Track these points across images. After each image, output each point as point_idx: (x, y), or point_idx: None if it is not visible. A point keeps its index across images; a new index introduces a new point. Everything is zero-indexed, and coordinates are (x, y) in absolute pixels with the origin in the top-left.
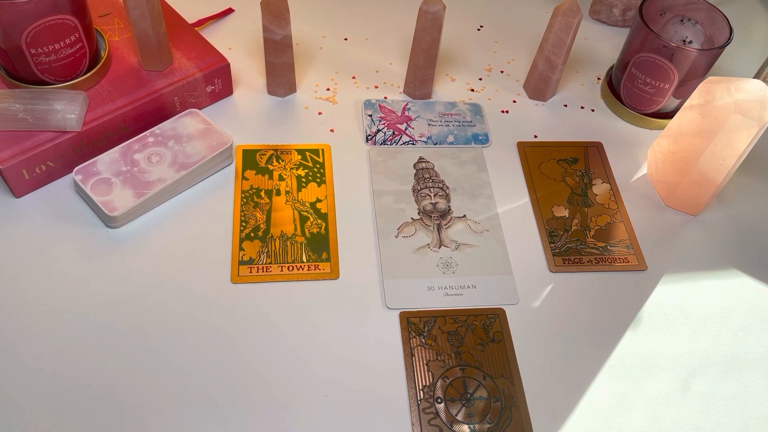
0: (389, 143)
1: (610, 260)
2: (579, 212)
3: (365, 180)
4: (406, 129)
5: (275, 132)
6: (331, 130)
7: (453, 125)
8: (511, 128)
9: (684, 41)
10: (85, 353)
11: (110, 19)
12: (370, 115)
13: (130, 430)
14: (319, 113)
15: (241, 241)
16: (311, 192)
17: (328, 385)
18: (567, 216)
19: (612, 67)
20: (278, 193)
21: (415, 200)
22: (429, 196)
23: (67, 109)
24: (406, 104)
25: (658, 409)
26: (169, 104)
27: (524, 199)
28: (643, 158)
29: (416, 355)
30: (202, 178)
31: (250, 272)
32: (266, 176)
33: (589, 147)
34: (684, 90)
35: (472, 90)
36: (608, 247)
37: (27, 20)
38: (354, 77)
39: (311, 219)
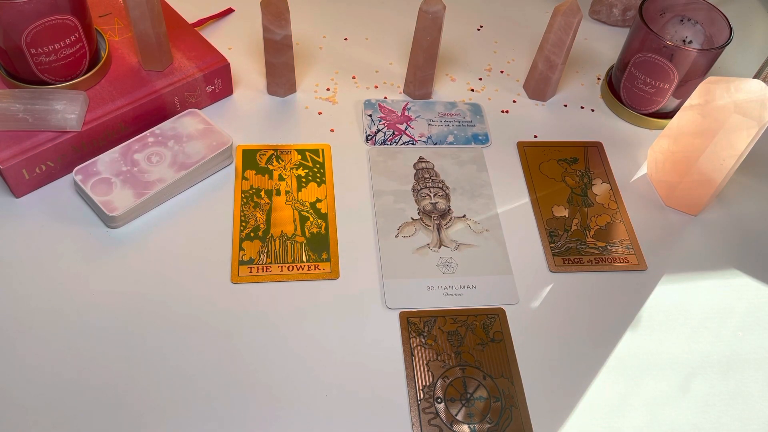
0: (389, 143)
1: (610, 260)
2: (579, 212)
3: (365, 180)
4: (406, 129)
5: (275, 132)
6: (331, 130)
7: (453, 125)
8: (511, 128)
9: (684, 41)
10: (84, 353)
11: (110, 19)
12: (370, 115)
13: (130, 429)
14: (319, 113)
15: (241, 241)
16: (311, 192)
17: (328, 385)
18: (567, 216)
19: (612, 67)
20: (278, 193)
21: (415, 200)
22: (429, 196)
23: (67, 109)
24: (406, 104)
25: (657, 409)
26: (169, 104)
27: (524, 199)
28: (643, 158)
29: (416, 355)
30: (202, 178)
31: (250, 272)
32: (266, 176)
33: (589, 147)
34: (684, 90)
35: (472, 90)
36: (608, 247)
37: (27, 20)
38: (354, 77)
39: (311, 219)
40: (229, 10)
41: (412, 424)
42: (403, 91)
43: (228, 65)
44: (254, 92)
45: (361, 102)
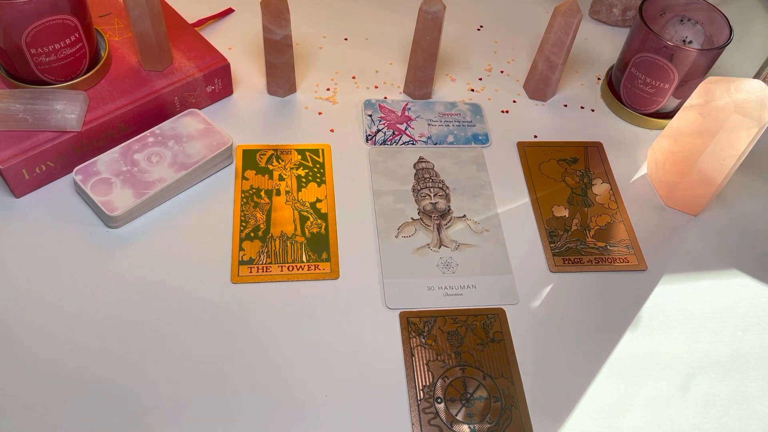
0: (389, 143)
1: (610, 260)
2: (579, 212)
3: (365, 180)
4: (406, 129)
5: (275, 132)
6: (331, 130)
7: (453, 125)
8: (511, 128)
9: (684, 41)
10: (84, 353)
11: (110, 19)
12: (370, 115)
13: (129, 428)
14: (319, 113)
15: (241, 241)
16: (311, 192)
17: (328, 385)
18: (567, 216)
19: (612, 67)
20: (278, 193)
21: (415, 200)
22: (429, 196)
23: (67, 109)
24: (406, 104)
25: (657, 409)
26: (169, 104)
27: (524, 199)
28: (643, 158)
29: (416, 355)
30: (202, 178)
31: (250, 272)
32: (266, 176)
33: (589, 147)
34: (684, 90)
35: (472, 90)
36: (608, 247)
37: (27, 20)
38: (354, 77)
39: (311, 219)
40: (229, 10)
41: (412, 424)
42: (403, 91)
43: (228, 65)
44: (254, 92)
45: (361, 102)
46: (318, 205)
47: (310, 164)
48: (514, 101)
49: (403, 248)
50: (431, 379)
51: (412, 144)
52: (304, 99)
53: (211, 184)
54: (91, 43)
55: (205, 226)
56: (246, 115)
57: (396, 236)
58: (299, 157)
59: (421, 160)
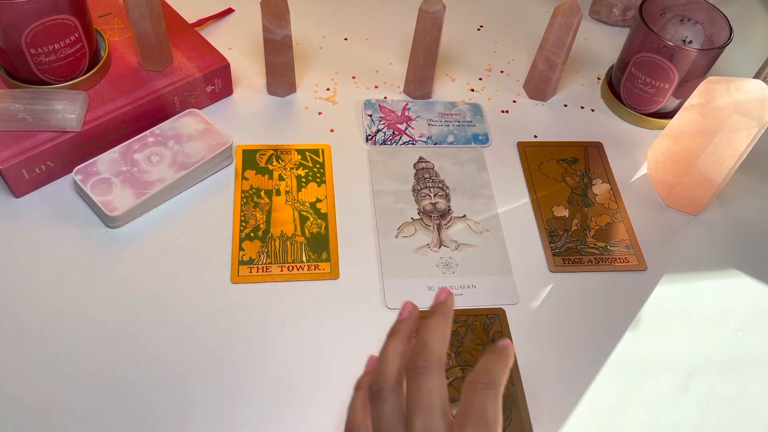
0: (389, 143)
1: (610, 260)
2: (579, 212)
3: (365, 180)
4: (406, 129)
5: (275, 132)
6: (331, 130)
7: (453, 125)
8: (511, 128)
9: (684, 41)
10: (84, 353)
11: (110, 19)
12: (370, 115)
13: (128, 428)
14: (319, 113)
15: (241, 241)
16: (311, 192)
17: (328, 385)
18: (567, 216)
19: (612, 67)
20: (278, 193)
21: (415, 200)
22: (429, 196)
23: (67, 109)
24: (406, 104)
25: (658, 409)
26: (169, 104)
27: (524, 199)
28: (643, 158)
29: None
30: (202, 178)
31: (250, 272)
32: (266, 176)
33: (589, 147)
34: (684, 90)
35: (472, 90)
36: (608, 247)
37: (27, 20)
38: (354, 77)
39: (311, 219)
40: (229, 10)
41: None
42: (403, 91)
43: (228, 65)
44: (254, 92)
45: (361, 102)
46: (318, 205)
47: (310, 164)
48: (514, 101)
49: (403, 248)
50: None
51: (412, 144)
52: (304, 99)
53: (211, 184)
54: (91, 43)
55: (205, 226)
56: (246, 115)
57: (396, 236)
58: (299, 157)
59: (421, 160)
